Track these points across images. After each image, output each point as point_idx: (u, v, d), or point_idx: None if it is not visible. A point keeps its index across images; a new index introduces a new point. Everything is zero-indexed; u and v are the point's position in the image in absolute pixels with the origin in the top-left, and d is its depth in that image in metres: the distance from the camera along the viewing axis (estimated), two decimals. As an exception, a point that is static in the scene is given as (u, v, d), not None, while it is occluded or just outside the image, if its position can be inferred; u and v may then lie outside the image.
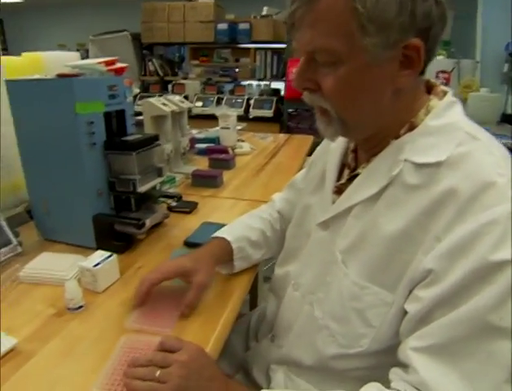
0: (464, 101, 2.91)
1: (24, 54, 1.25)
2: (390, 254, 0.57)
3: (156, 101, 1.42)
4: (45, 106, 0.89)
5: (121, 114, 0.99)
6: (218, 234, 0.87)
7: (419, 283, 0.54)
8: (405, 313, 0.56)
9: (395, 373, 0.55)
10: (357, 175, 0.66)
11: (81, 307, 0.74)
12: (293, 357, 0.72)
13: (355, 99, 0.58)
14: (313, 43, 0.55)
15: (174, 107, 1.44)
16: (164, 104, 1.42)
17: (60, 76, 0.90)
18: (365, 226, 0.61)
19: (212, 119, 3.44)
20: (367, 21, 0.51)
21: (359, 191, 0.63)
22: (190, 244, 0.96)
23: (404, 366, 0.53)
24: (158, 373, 0.54)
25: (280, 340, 0.78)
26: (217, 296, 0.79)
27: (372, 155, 0.64)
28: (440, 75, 3.19)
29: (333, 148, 0.75)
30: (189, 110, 1.68)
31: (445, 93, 0.62)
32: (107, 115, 0.93)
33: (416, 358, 0.51)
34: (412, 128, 0.59)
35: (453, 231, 0.51)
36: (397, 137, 0.60)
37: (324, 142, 0.83)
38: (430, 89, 0.64)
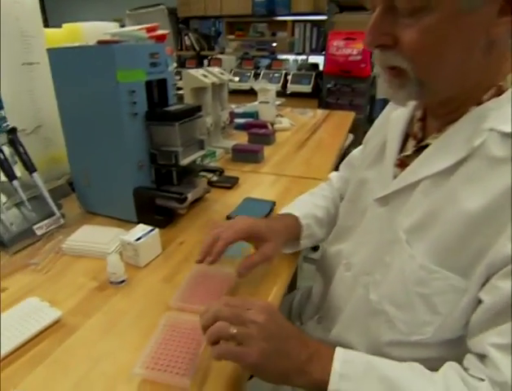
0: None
1: (64, 25, 1.23)
2: (467, 235, 0.49)
3: (196, 72, 1.37)
4: (86, 74, 0.86)
5: (162, 83, 0.95)
6: (285, 210, 0.82)
7: (498, 270, 0.47)
8: (479, 302, 0.49)
9: (470, 361, 0.49)
10: (425, 146, 0.58)
11: (123, 281, 0.72)
12: (343, 341, 0.67)
13: (441, 55, 0.49)
14: None
15: (215, 79, 1.39)
16: (204, 76, 1.37)
17: (101, 42, 0.86)
18: (436, 203, 0.53)
19: (248, 94, 3.39)
20: None
21: (429, 163, 0.56)
22: None
23: (481, 357, 0.48)
24: (235, 331, 0.49)
25: (327, 323, 0.74)
26: (264, 275, 0.75)
27: (446, 124, 0.56)
28: None
29: (396, 117, 0.68)
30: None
31: None
32: (148, 84, 0.89)
33: (498, 355, 0.44)
34: (499, 93, 0.51)
35: None
36: (479, 103, 0.52)
37: (385, 113, 0.75)
38: None
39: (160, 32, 0.97)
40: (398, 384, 0.48)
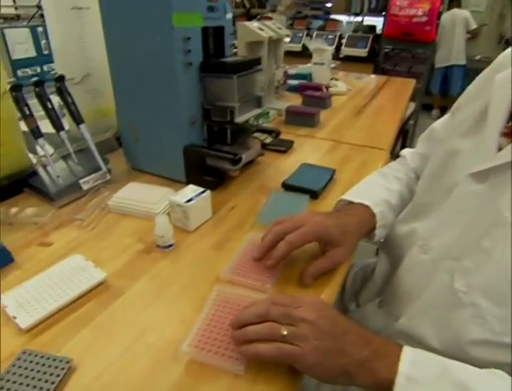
0: None
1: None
2: None
3: (251, 25, 1.26)
4: (138, 18, 0.78)
5: (219, 32, 0.86)
6: (353, 199, 0.70)
7: None
8: None
9: None
10: None
11: (171, 246, 0.66)
12: (413, 332, 0.58)
13: None
14: None
15: (272, 34, 1.27)
16: (260, 29, 1.26)
17: (156, -19, 0.78)
18: None
19: (299, 56, 3.22)
20: None
21: None
22: (289, 187, 0.85)
23: None
24: (286, 332, 0.44)
25: (392, 309, 0.66)
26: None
27: None
28: None
29: (503, 79, 0.56)
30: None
31: None
32: (204, 31, 0.81)
33: None
34: None
35: None
36: None
37: (483, 75, 0.63)
38: None
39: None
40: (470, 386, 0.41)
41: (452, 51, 4.36)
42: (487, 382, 0.42)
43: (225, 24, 0.86)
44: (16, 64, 1.36)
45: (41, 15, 1.76)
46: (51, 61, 1.45)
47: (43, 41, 1.46)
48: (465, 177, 0.55)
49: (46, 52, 1.46)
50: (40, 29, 1.45)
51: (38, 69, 1.46)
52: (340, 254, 0.61)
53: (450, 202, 0.58)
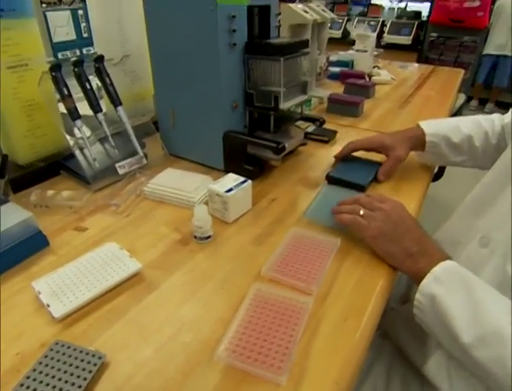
0: None
1: None
2: None
3: (296, 7, 1.19)
4: (181, -5, 0.74)
5: (265, 11, 0.80)
6: (420, 123, 0.85)
7: None
8: None
9: None
10: None
11: (209, 237, 0.63)
12: None
13: None
14: None
15: (317, 17, 1.21)
16: (305, 12, 1.19)
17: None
18: None
19: (340, 43, 3.11)
20: None
21: None
22: (333, 180, 0.79)
23: None
24: (362, 212, 0.61)
25: None
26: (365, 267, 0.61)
27: None
28: None
29: None
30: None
31: None
32: (249, 10, 0.75)
33: None
34: None
35: None
36: None
37: None
38: None
39: None
40: (482, 307, 0.47)
41: (507, 40, 4.00)
42: (498, 304, 0.48)
43: (271, 2, 0.80)
44: (57, 47, 1.36)
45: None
46: (91, 44, 1.44)
47: (83, 25, 1.46)
48: None
49: (85, 35, 1.45)
50: (80, 12, 1.45)
51: (78, 52, 1.46)
52: (398, 152, 0.80)
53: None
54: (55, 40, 1.37)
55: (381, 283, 0.56)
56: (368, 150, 0.85)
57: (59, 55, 1.39)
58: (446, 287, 0.50)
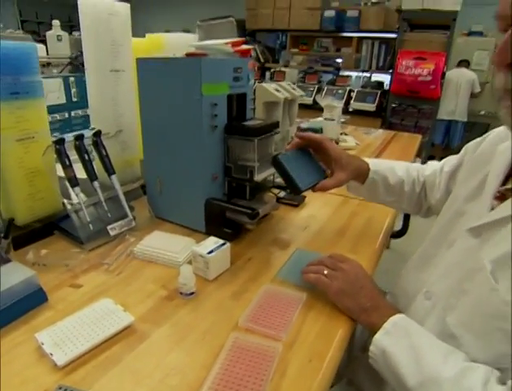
0: None
1: (147, 35, 1.28)
2: None
3: (269, 86, 1.37)
4: (171, 84, 0.88)
5: (242, 98, 0.95)
6: (366, 159, 0.92)
7: None
8: None
9: None
10: None
11: (192, 293, 0.72)
12: None
13: None
14: None
15: (287, 95, 1.39)
16: (277, 90, 1.37)
17: (189, 55, 0.88)
18: None
19: (310, 109, 3.38)
20: None
21: None
22: (277, 164, 0.81)
23: None
24: (326, 272, 0.71)
25: None
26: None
27: None
28: None
29: (503, 150, 0.64)
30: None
31: None
32: (229, 98, 0.90)
33: None
34: None
35: None
36: None
37: (490, 140, 0.71)
38: None
39: (244, 46, 0.98)
40: (422, 356, 0.56)
41: (456, 107, 4.50)
42: (435, 349, 0.57)
43: (247, 90, 0.96)
44: (48, 110, 1.48)
45: (70, 64, 1.91)
46: (79, 108, 1.58)
47: (73, 90, 1.59)
48: (465, 232, 0.63)
49: (75, 99, 1.57)
50: (72, 79, 1.58)
51: (66, 115, 1.57)
52: (342, 177, 0.85)
53: (450, 255, 0.66)
54: (46, 103, 1.49)
55: (341, 332, 0.66)
56: (326, 155, 0.86)
57: (49, 118, 1.50)
58: (393, 339, 0.60)
